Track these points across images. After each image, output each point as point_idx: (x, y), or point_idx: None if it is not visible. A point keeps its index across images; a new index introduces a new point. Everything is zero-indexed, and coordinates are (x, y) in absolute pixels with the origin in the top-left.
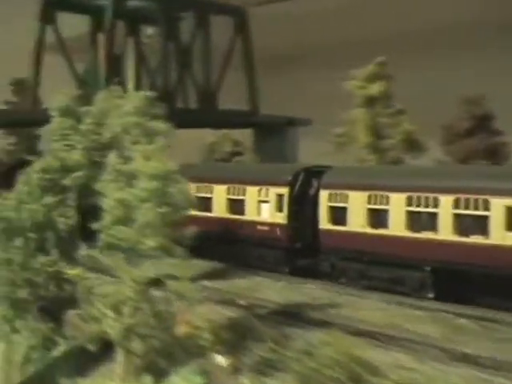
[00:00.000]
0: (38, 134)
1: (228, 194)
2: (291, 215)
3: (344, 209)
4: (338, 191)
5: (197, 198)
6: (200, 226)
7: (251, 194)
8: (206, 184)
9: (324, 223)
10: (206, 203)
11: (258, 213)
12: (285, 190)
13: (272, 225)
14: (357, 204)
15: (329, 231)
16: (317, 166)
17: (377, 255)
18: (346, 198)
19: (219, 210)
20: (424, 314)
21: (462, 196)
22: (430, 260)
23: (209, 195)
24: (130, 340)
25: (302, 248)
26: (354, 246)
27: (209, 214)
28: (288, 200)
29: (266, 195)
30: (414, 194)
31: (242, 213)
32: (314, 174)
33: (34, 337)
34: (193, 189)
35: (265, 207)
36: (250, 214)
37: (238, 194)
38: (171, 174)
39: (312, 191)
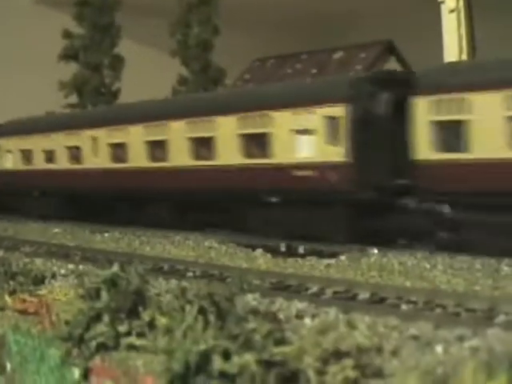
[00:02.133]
0: None
1: (241, 128)
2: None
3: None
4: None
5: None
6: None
7: (280, 122)
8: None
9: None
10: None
11: (294, 151)
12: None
13: (321, 167)
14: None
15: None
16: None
17: None
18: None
19: (224, 154)
20: None
21: None
22: None
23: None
24: None
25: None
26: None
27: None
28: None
29: (308, 121)
30: None
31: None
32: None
33: None
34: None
35: (306, 140)
36: (279, 155)
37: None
38: None
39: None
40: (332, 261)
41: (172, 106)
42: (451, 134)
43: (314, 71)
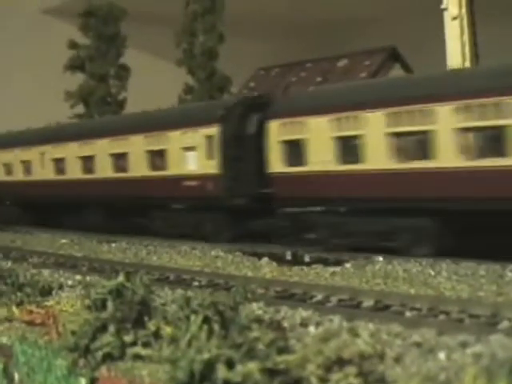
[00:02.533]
0: None
1: (148, 145)
2: (227, 162)
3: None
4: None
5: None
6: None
7: (173, 140)
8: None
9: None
10: (119, 161)
11: (183, 165)
12: (214, 130)
13: (202, 178)
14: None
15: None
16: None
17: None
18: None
19: (135, 168)
20: None
21: None
22: None
23: (123, 150)
24: None
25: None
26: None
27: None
28: (221, 142)
29: (193, 140)
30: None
31: (163, 167)
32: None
33: None
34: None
35: (191, 156)
36: (172, 168)
37: (159, 144)
38: None
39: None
40: (337, 269)
41: (98, 127)
42: (294, 151)
43: (319, 79)
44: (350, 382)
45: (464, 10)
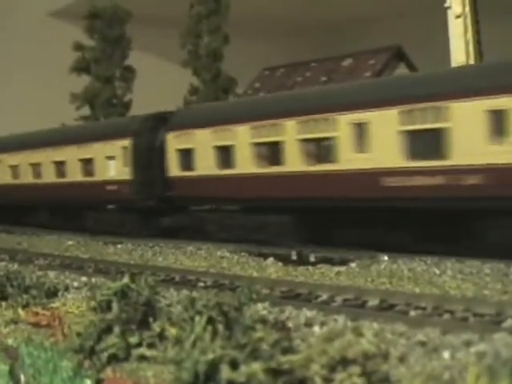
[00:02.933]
0: None
1: (79, 154)
2: (138, 169)
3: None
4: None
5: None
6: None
7: (98, 150)
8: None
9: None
10: (59, 168)
11: (106, 171)
12: (127, 142)
13: (119, 183)
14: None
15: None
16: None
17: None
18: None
19: (71, 173)
20: None
21: None
22: None
23: (62, 158)
24: None
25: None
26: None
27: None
28: (132, 151)
29: (113, 150)
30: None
31: (91, 174)
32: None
33: None
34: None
35: (112, 164)
36: (98, 174)
37: (88, 154)
38: None
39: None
40: (342, 268)
41: (44, 137)
42: (186, 158)
43: (324, 79)
44: (354, 381)
45: (467, 9)
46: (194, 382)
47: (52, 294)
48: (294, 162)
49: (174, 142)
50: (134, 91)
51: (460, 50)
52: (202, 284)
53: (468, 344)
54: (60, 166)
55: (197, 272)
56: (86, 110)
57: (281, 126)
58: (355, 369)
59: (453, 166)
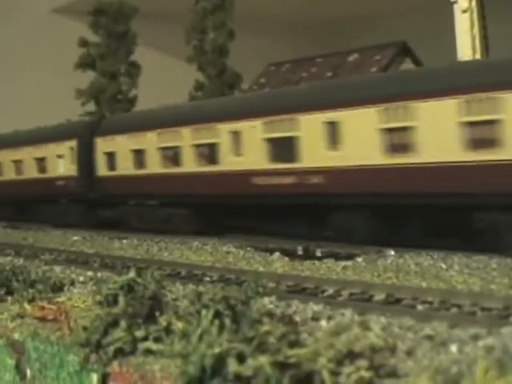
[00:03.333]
0: None
1: (34, 153)
2: (81, 166)
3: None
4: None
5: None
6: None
7: (51, 150)
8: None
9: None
10: (18, 167)
11: (57, 168)
12: (74, 143)
13: (66, 178)
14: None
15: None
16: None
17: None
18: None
19: (27, 172)
20: None
21: None
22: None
23: (19, 158)
24: None
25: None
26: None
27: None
28: (77, 151)
29: (62, 150)
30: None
31: (43, 171)
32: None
33: None
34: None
35: (61, 162)
36: (50, 171)
37: (42, 153)
38: None
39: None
40: (349, 263)
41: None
42: (110, 160)
43: (329, 74)
44: (362, 375)
45: (474, 3)
46: (201, 375)
47: (58, 288)
48: (190, 164)
49: (101, 146)
50: (140, 87)
51: (466, 45)
52: (208, 279)
53: (476, 338)
54: (18, 165)
55: (203, 267)
56: (91, 106)
57: (179, 133)
58: (362, 362)
59: (301, 167)
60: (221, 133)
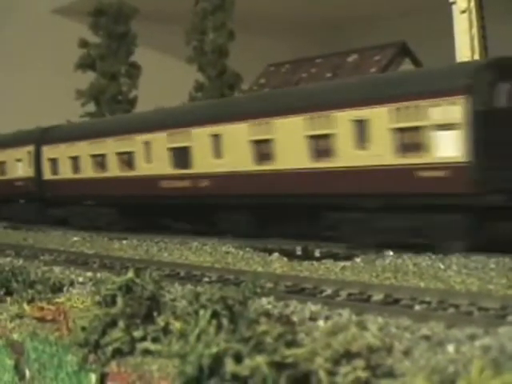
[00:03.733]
0: None
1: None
2: (36, 169)
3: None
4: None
5: None
6: None
7: (10, 155)
8: None
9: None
10: None
11: (16, 171)
12: (32, 148)
13: (25, 179)
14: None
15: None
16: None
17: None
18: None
19: None
20: None
21: None
22: None
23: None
24: None
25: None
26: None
27: None
28: (34, 156)
29: (21, 154)
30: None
31: (4, 173)
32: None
33: None
34: None
35: (20, 165)
36: (9, 174)
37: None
38: None
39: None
40: (347, 263)
41: None
42: (54, 165)
43: (329, 75)
44: (358, 375)
45: (472, 4)
46: (199, 375)
47: (57, 289)
48: (113, 169)
49: (47, 153)
50: (140, 88)
51: (465, 46)
52: (206, 279)
53: (473, 338)
54: None
55: (202, 267)
56: (91, 107)
57: (105, 143)
58: (359, 362)
59: (193, 173)
60: (136, 143)
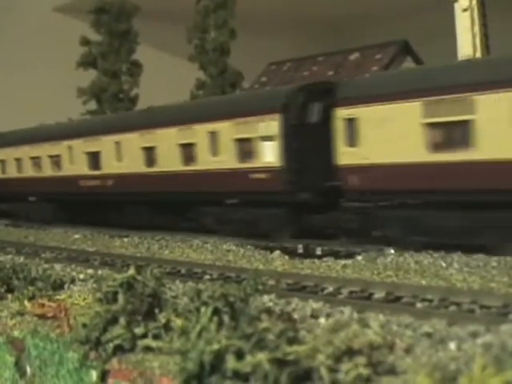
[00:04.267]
0: None
1: None
2: None
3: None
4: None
5: None
6: None
7: None
8: None
9: None
10: None
11: None
12: None
13: None
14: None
15: None
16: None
17: None
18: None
19: None
20: None
21: None
22: None
23: None
24: None
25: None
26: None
27: None
28: None
29: None
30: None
31: None
32: None
33: None
34: None
35: None
36: None
37: None
38: None
39: None
40: (349, 261)
41: None
42: (3, 166)
43: (331, 73)
44: (360, 372)
45: (474, 2)
46: (200, 372)
47: (58, 286)
48: (46, 170)
49: None
50: (141, 86)
51: (467, 44)
52: (208, 276)
53: (474, 335)
54: None
55: (203, 265)
56: (92, 105)
57: (42, 147)
58: (361, 359)
59: (102, 174)
60: (62, 147)
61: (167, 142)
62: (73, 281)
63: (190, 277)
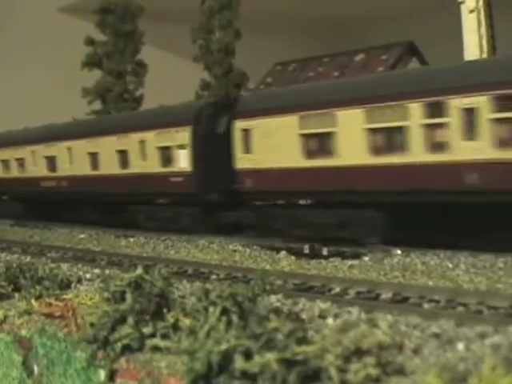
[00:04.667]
0: None
1: None
2: None
3: None
4: None
5: None
6: None
7: None
8: None
9: None
10: None
11: None
12: None
13: None
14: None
15: None
16: None
17: None
18: None
19: None
20: None
21: None
22: None
23: None
24: None
25: None
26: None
27: None
28: None
29: None
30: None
31: None
32: None
33: None
34: None
35: None
36: None
37: None
38: None
39: None
40: (355, 262)
41: None
42: None
43: (336, 74)
44: (369, 372)
45: (481, 3)
46: (208, 372)
47: (65, 285)
48: (14, 171)
49: None
50: (146, 86)
51: (474, 45)
52: (214, 276)
53: (483, 336)
54: None
55: (210, 265)
56: (97, 105)
57: (8, 151)
58: (370, 359)
59: (58, 176)
60: (26, 151)
61: (108, 148)
62: (79, 280)
63: (197, 277)
